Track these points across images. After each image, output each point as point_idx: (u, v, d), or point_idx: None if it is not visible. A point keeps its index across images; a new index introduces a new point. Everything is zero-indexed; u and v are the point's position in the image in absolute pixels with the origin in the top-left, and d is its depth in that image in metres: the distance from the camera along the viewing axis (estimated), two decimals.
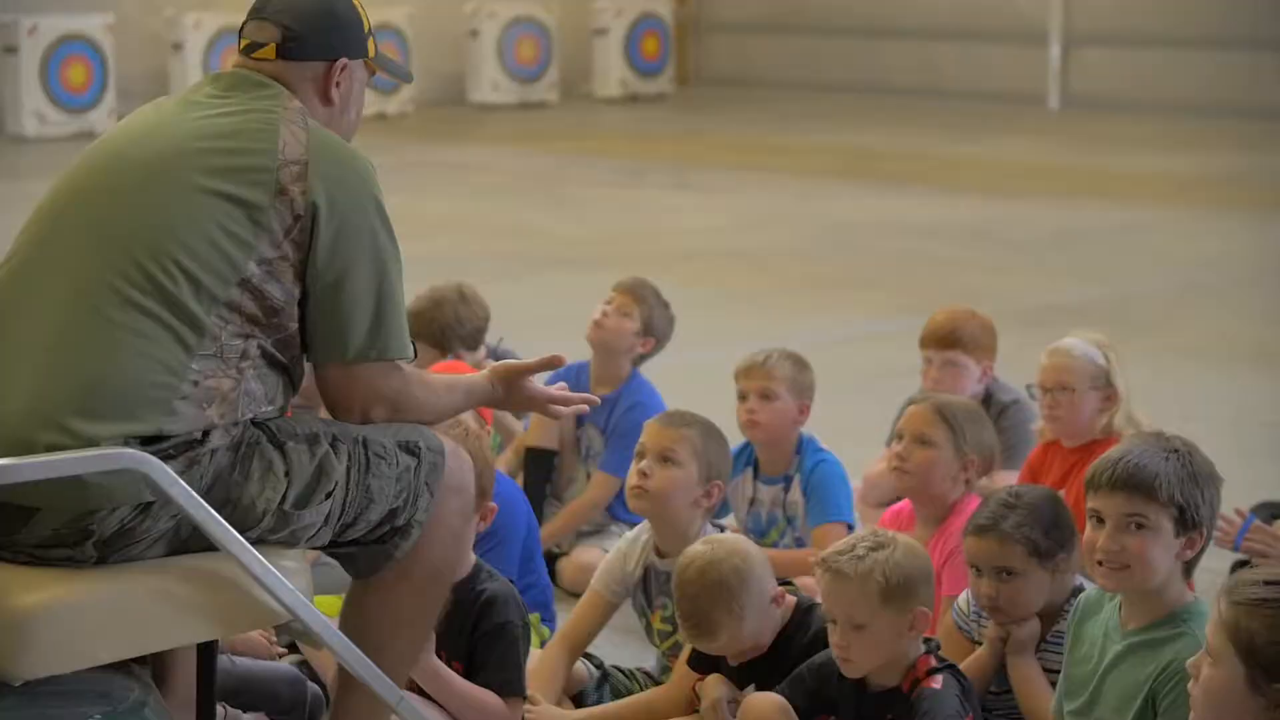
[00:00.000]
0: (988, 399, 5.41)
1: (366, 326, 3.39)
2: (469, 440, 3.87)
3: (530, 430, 5.58)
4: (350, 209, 3.37)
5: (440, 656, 3.94)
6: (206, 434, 3.28)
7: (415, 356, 3.56)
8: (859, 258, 10.71)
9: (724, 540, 4.05)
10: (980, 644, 3.98)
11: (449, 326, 5.78)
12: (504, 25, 18.46)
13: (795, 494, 5.00)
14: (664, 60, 19.54)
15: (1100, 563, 3.47)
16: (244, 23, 3.59)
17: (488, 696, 3.95)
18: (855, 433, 5.94)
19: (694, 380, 7.10)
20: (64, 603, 3.16)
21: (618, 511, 5.47)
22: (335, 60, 3.54)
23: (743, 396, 5.03)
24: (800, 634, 3.93)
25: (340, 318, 3.37)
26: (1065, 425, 4.91)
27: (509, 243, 11.08)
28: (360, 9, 3.63)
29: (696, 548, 4.01)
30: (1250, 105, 16.56)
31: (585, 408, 3.81)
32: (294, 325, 3.39)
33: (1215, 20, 17.05)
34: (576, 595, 4.73)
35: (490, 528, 4.49)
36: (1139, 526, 3.44)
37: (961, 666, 3.83)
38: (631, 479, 4.38)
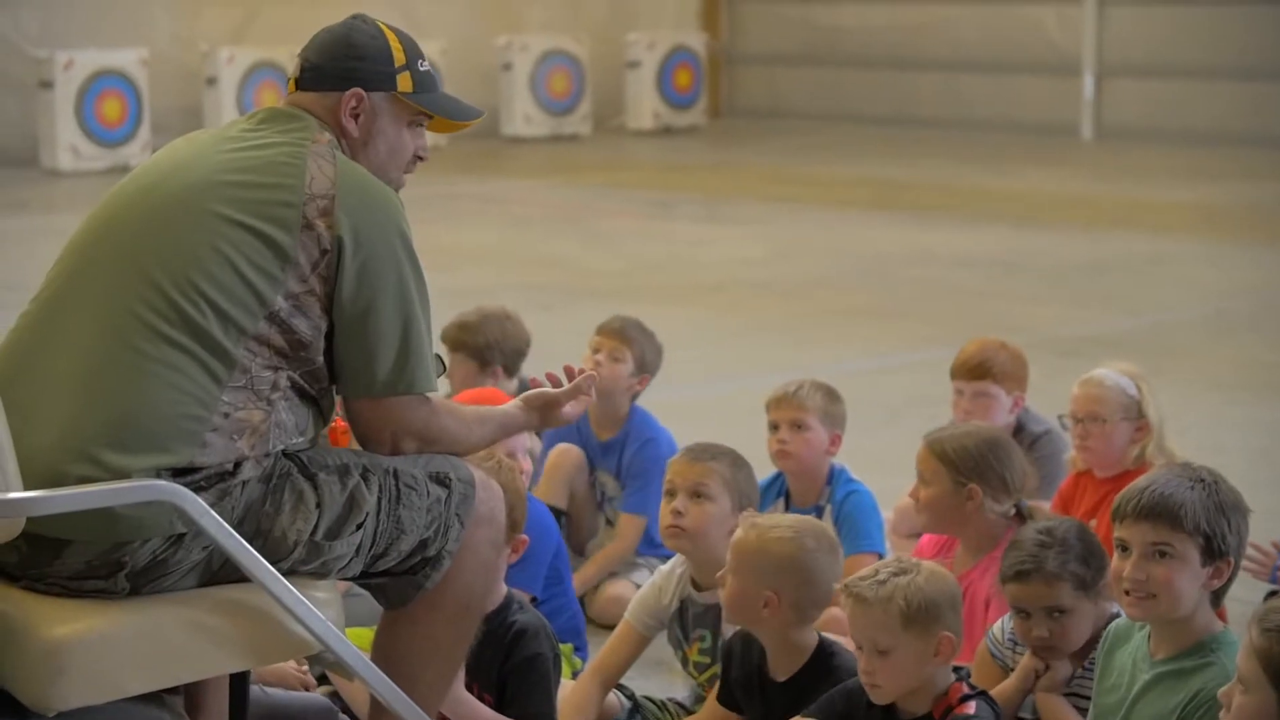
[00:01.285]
0: (1019, 430, 5.41)
1: (392, 360, 3.40)
2: (500, 472, 3.89)
3: (539, 488, 5.52)
4: (376, 243, 3.40)
5: (471, 689, 3.96)
6: (238, 466, 3.29)
7: (445, 370, 3.57)
8: (889, 288, 10.71)
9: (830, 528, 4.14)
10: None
11: (494, 342, 5.79)
12: (536, 58, 18.52)
13: (827, 525, 5.01)
14: (696, 92, 19.58)
15: (1127, 592, 3.48)
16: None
17: None
18: (886, 463, 5.94)
19: (724, 411, 7.12)
20: (96, 633, 3.18)
21: (641, 548, 5.47)
22: (346, 90, 3.56)
23: (774, 427, 5.03)
24: (825, 674, 3.91)
25: (366, 352, 3.39)
26: (1097, 455, 4.91)
27: (540, 274, 11.11)
28: (393, 42, 3.64)
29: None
30: None
31: (591, 376, 3.81)
32: (321, 359, 3.41)
33: (1248, 51, 17.03)
34: (606, 627, 4.74)
35: (526, 563, 4.51)
36: (1165, 555, 3.45)
37: (994, 691, 3.84)
38: (665, 518, 4.38)
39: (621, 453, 5.54)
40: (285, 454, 3.39)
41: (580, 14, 19.79)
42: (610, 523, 5.61)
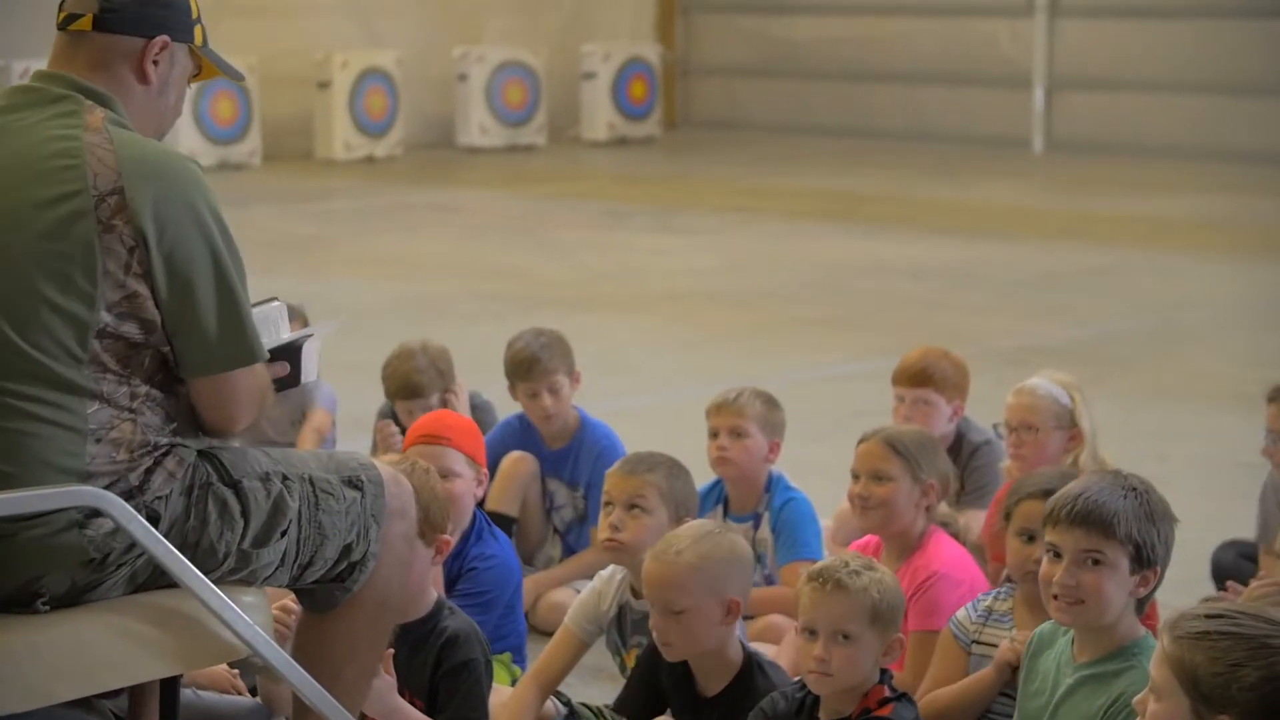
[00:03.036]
0: (959, 439, 5.45)
1: (226, 335, 3.32)
2: (415, 474, 3.90)
3: (490, 495, 5.50)
4: (180, 222, 3.28)
5: (403, 695, 3.97)
6: (144, 483, 3.28)
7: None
8: (840, 299, 10.75)
9: (731, 528, 4.10)
10: (976, 645, 4.04)
11: (442, 372, 5.78)
12: (492, 69, 18.53)
13: (765, 532, 5.03)
14: (651, 104, 19.60)
15: (1056, 596, 3.52)
16: None
17: None
18: (831, 472, 5.97)
19: (674, 420, 7.14)
20: (22, 641, 3.17)
21: None
22: (154, 38, 3.44)
23: (714, 434, 5.06)
24: (754, 687, 3.92)
25: (199, 332, 3.30)
26: (1030, 464, 4.95)
27: (494, 284, 11.13)
28: None
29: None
30: (1232, 149, 16.62)
31: None
32: (165, 347, 3.34)
33: (1199, 65, 17.13)
34: (548, 634, 4.75)
35: (480, 585, 4.52)
36: (1096, 563, 3.49)
37: (964, 683, 3.92)
38: (603, 531, 4.39)
39: (575, 462, 5.55)
40: (202, 460, 3.37)
41: (537, 25, 19.79)
42: (558, 531, 5.62)
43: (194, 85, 3.68)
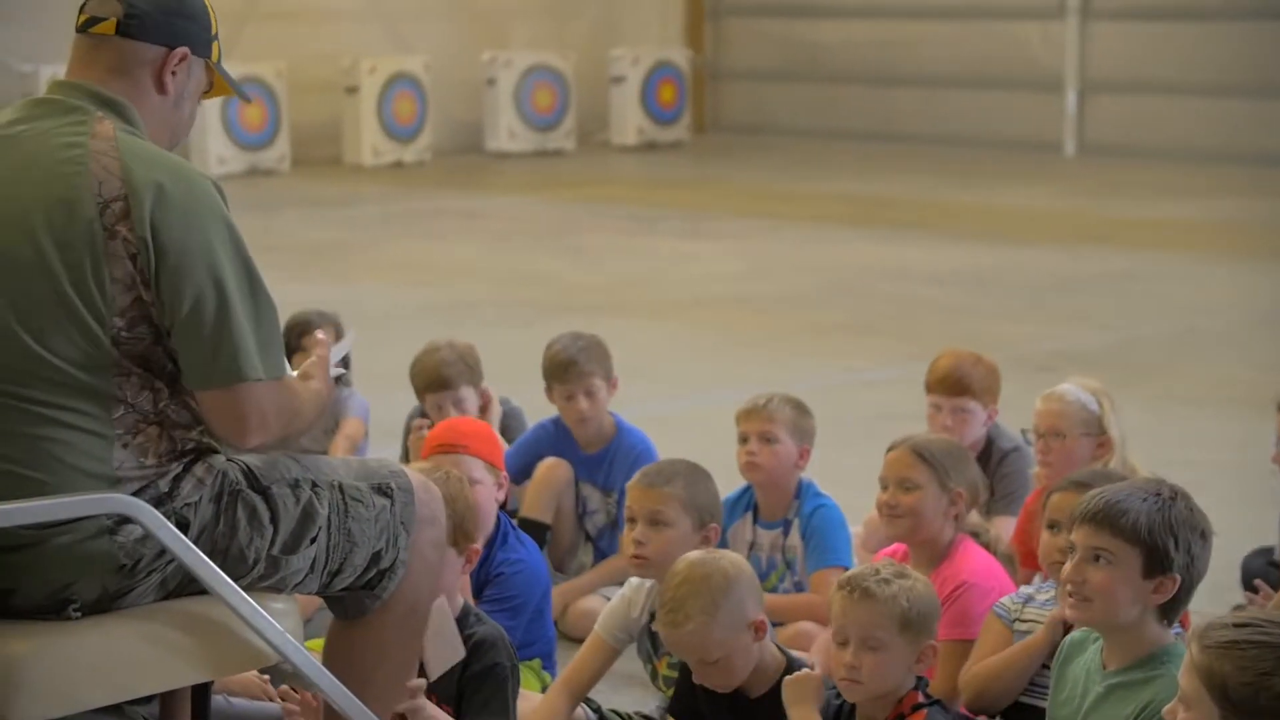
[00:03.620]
0: (989, 445, 5.45)
1: (225, 348, 3.28)
2: (450, 483, 3.92)
3: (524, 502, 5.52)
4: (187, 230, 3.26)
5: (430, 699, 3.98)
6: (174, 490, 3.30)
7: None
8: (866, 304, 10.75)
9: (726, 553, 4.09)
10: (1019, 623, 4.06)
11: (470, 366, 5.80)
12: (521, 73, 18.55)
13: (794, 538, 5.03)
14: (680, 108, 19.61)
15: (1070, 594, 3.53)
16: (86, 0, 3.48)
17: None
18: (857, 478, 5.96)
19: (702, 426, 7.14)
20: (54, 648, 3.19)
21: None
22: (175, 48, 3.44)
23: (743, 439, 5.06)
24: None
25: (197, 344, 3.28)
26: (1058, 470, 4.95)
27: (523, 289, 11.14)
28: (211, 11, 3.55)
29: (698, 551, 4.07)
30: (1266, 153, 16.57)
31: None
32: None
33: (1232, 67, 17.06)
34: (578, 640, 4.76)
35: (508, 590, 4.53)
36: (1101, 560, 3.49)
37: (1012, 649, 3.95)
38: (628, 547, 4.39)
39: (610, 467, 5.55)
40: (231, 467, 3.39)
41: (565, 30, 19.82)
42: (590, 537, 5.62)
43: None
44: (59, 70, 17.78)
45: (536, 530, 5.43)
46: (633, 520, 4.40)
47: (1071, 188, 15.94)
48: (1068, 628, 3.88)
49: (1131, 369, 8.61)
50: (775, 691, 3.92)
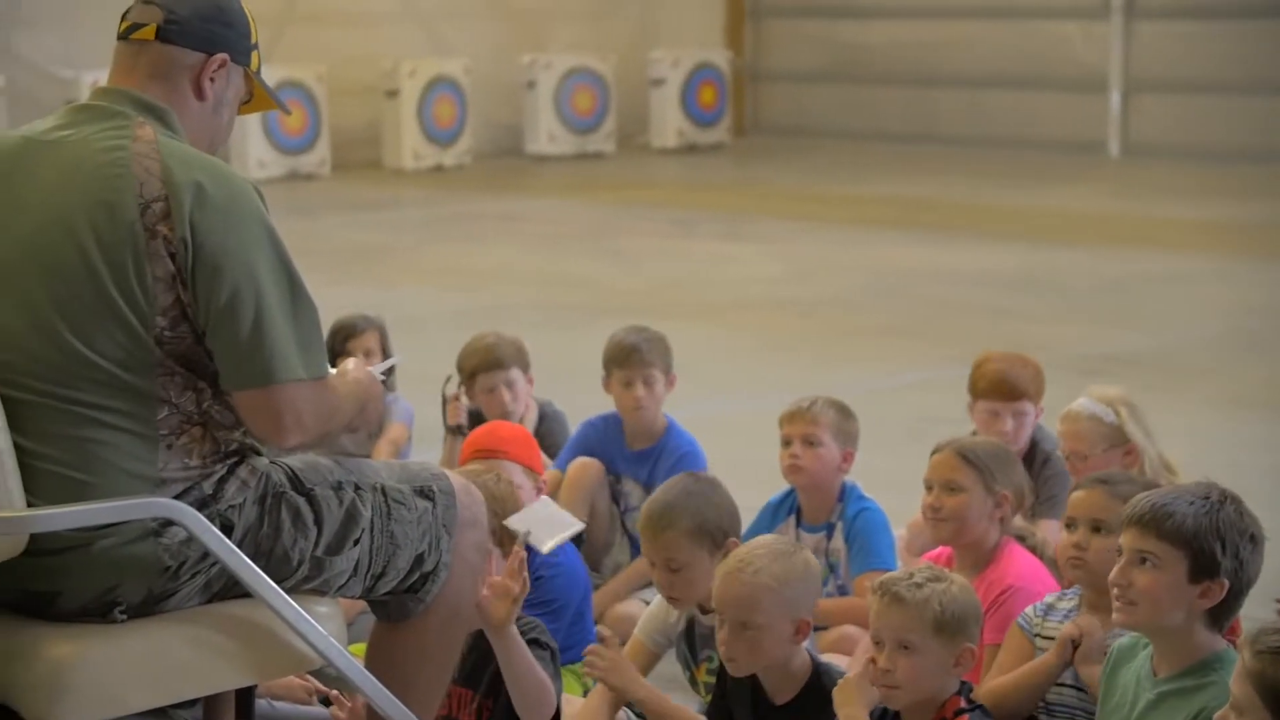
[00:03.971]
0: (1033, 448, 5.41)
1: (259, 348, 3.29)
2: (498, 485, 3.92)
3: (559, 499, 5.55)
4: (226, 232, 3.28)
5: (468, 694, 3.98)
6: (218, 492, 3.31)
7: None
8: (909, 307, 10.72)
9: (808, 552, 4.07)
10: (1040, 639, 4.04)
11: (498, 345, 5.83)
12: (561, 76, 18.57)
13: (838, 542, 5.01)
14: (721, 110, 19.60)
15: (1117, 597, 3.51)
16: (129, 7, 3.52)
17: (544, 677, 3.94)
18: (900, 481, 5.94)
19: (743, 429, 7.13)
20: (100, 651, 3.21)
21: None
22: (214, 54, 3.47)
23: (787, 442, 5.04)
24: (825, 695, 3.91)
25: (232, 344, 3.28)
26: None
27: (563, 293, 11.14)
28: (251, 20, 3.58)
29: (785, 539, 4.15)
30: None
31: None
32: None
33: (1277, 67, 16.98)
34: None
35: (548, 593, 4.52)
36: (1146, 563, 3.46)
37: (1025, 667, 3.93)
38: (660, 589, 4.39)
39: (655, 464, 5.55)
40: (275, 469, 3.39)
41: (605, 32, 19.83)
42: (629, 534, 5.61)
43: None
44: (99, 76, 17.81)
45: None
46: (652, 564, 4.38)
47: (1115, 189, 15.88)
48: (1075, 647, 3.88)
49: (1178, 371, 8.57)
50: (802, 698, 3.91)
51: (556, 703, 3.97)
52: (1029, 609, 4.14)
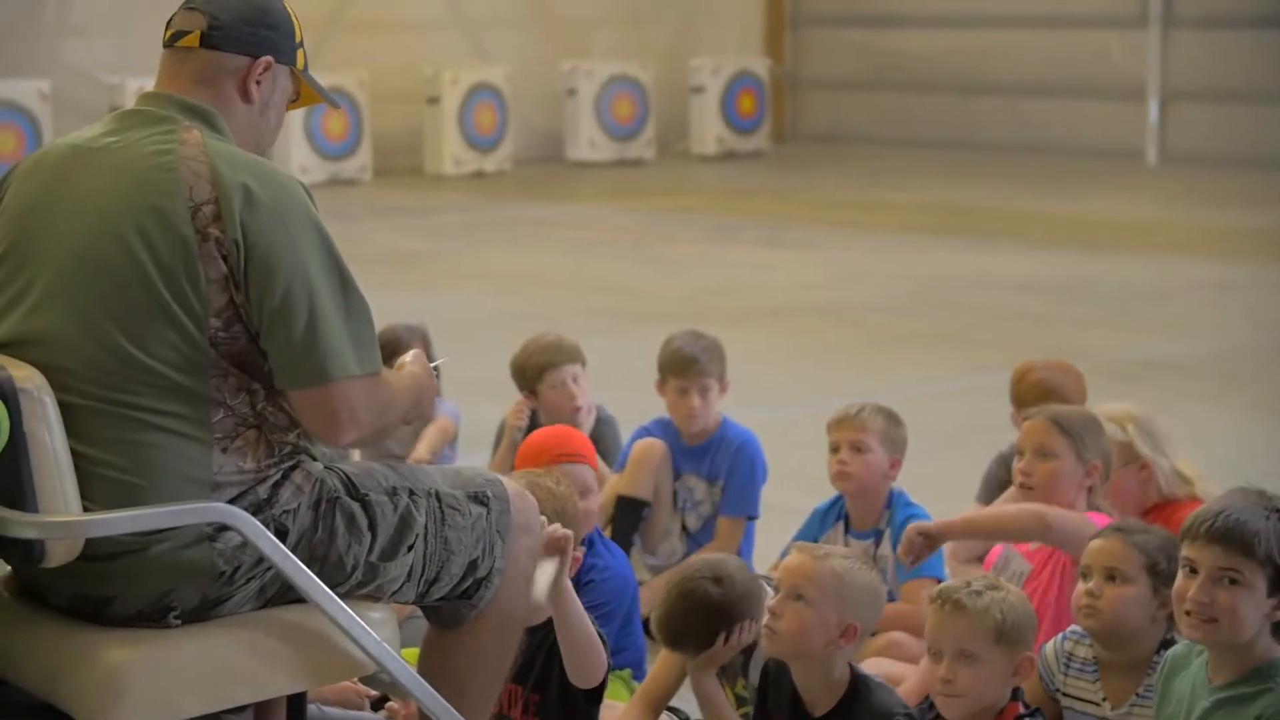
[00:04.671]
0: None
1: (314, 347, 3.29)
2: (559, 490, 3.92)
3: (623, 477, 5.53)
4: (275, 231, 3.28)
5: (518, 690, 3.99)
6: (272, 496, 3.31)
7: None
8: (951, 313, 10.69)
9: (878, 570, 4.05)
10: (1062, 696, 3.97)
11: (560, 342, 5.87)
12: (601, 83, 18.58)
13: (885, 549, 5.00)
14: (760, 117, 19.59)
15: (1188, 613, 3.46)
16: (173, 14, 3.52)
17: (596, 638, 3.93)
18: (945, 488, 5.94)
19: (786, 435, 7.12)
20: (154, 656, 3.21)
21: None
22: (259, 57, 3.48)
23: (834, 448, 5.03)
24: (865, 706, 3.89)
25: (287, 344, 3.28)
26: (1117, 507, 4.81)
27: (604, 299, 11.14)
28: (295, 19, 3.57)
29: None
30: None
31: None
32: None
33: None
34: None
35: (598, 597, 4.51)
36: (1232, 582, 3.42)
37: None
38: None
39: (714, 455, 5.55)
40: (329, 474, 3.39)
41: (645, 40, 19.84)
42: (686, 529, 5.61)
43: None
44: (144, 83, 17.98)
45: (635, 507, 5.46)
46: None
47: (1155, 196, 15.82)
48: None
49: (1223, 379, 8.53)
50: (840, 708, 3.88)
51: (606, 668, 3.97)
52: (1048, 648, 4.04)
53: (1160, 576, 3.87)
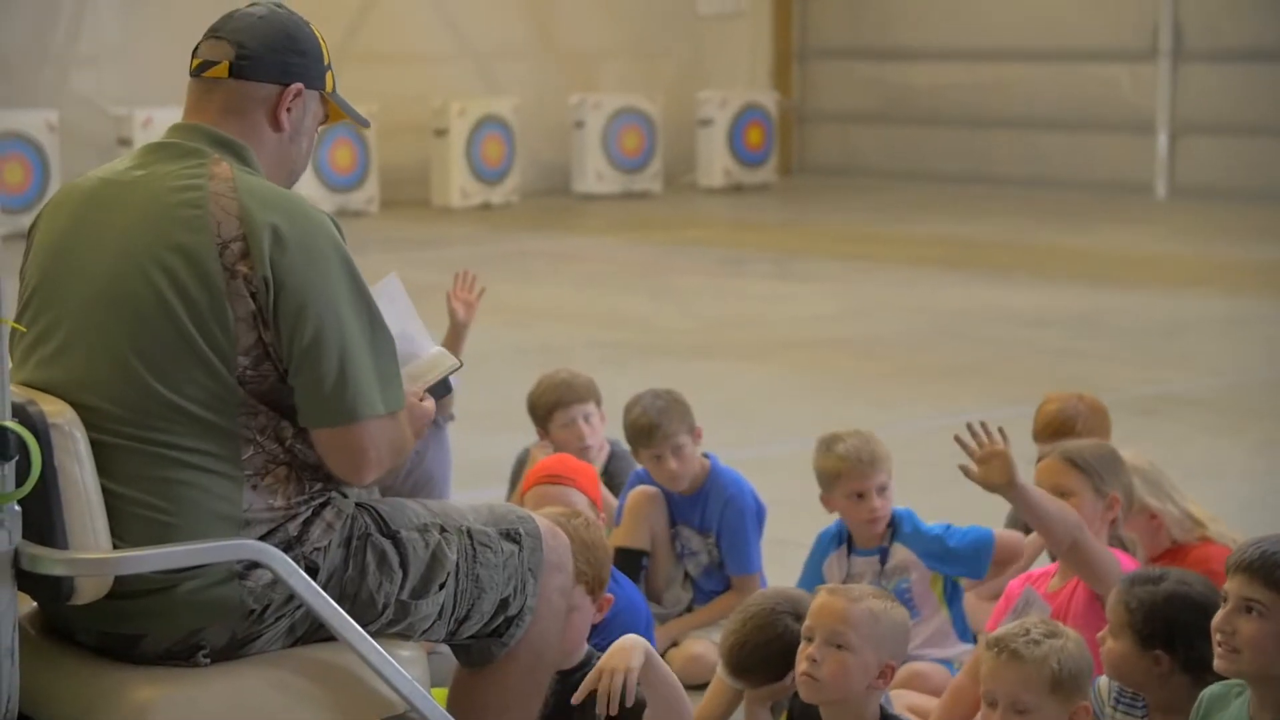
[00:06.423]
0: None
1: (344, 386, 3.25)
2: (589, 529, 3.89)
3: (620, 530, 5.49)
4: (303, 270, 3.25)
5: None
6: (303, 534, 3.28)
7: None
8: (963, 347, 10.67)
9: (901, 606, 4.01)
10: None
11: (572, 379, 5.84)
12: (608, 116, 18.60)
13: (898, 557, 4.99)
14: (767, 150, 19.60)
15: (1219, 644, 3.45)
16: (199, 44, 3.49)
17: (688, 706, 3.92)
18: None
19: (795, 469, 7.09)
20: (183, 694, 3.20)
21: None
22: (289, 85, 3.44)
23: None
24: None
25: (315, 383, 3.25)
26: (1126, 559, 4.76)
27: (613, 332, 11.13)
28: (322, 41, 3.54)
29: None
30: None
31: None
32: None
33: None
34: (685, 686, 4.72)
35: (611, 629, 4.50)
36: (1253, 612, 3.41)
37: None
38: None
39: (705, 508, 5.53)
40: (360, 512, 3.37)
41: (653, 73, 19.87)
42: (690, 576, 5.58)
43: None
44: (152, 113, 18.01)
45: (633, 558, 5.42)
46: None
47: (1165, 230, 15.82)
48: None
49: (1237, 413, 8.51)
50: None
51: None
52: (1102, 687, 3.96)
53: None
